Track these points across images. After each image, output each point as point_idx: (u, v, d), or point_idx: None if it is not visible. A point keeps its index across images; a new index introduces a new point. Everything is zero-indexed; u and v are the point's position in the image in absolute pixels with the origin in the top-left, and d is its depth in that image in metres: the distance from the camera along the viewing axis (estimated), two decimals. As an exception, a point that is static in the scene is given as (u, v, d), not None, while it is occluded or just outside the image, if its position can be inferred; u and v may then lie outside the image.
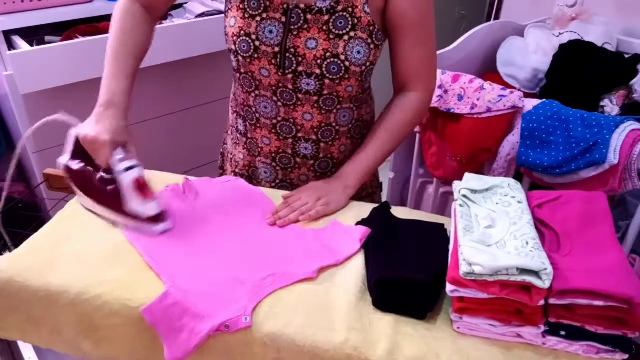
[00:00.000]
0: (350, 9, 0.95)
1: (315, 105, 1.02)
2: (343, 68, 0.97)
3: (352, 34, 0.95)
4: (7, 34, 1.67)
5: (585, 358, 0.73)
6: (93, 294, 0.81)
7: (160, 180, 1.08)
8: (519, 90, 1.53)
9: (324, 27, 0.95)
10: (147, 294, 0.80)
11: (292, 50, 0.97)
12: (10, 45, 1.68)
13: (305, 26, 0.96)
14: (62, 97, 1.65)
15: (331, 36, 0.95)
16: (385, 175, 1.80)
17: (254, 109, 1.07)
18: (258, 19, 0.97)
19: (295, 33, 0.96)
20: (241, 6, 0.98)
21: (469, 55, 1.81)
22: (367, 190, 1.22)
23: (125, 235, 0.91)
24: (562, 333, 0.72)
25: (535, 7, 2.18)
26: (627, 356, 0.72)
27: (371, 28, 0.96)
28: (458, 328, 0.76)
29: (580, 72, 1.65)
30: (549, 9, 1.93)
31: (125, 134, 0.91)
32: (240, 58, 1.01)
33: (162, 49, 1.73)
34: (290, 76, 0.99)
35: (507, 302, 0.72)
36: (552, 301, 0.71)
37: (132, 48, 0.99)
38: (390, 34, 1.01)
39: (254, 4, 0.97)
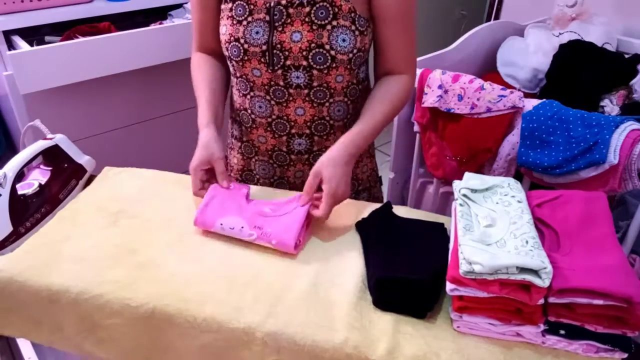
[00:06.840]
0: None
1: (307, 99, 1.05)
2: (329, 57, 0.99)
3: (334, 22, 0.97)
4: (7, 34, 1.67)
5: (584, 357, 0.73)
6: (94, 293, 0.81)
7: (161, 179, 1.09)
8: (519, 90, 1.53)
9: (306, 19, 0.97)
10: (148, 293, 0.81)
11: (279, 46, 1.00)
12: (10, 45, 1.68)
13: (289, 20, 0.98)
14: (62, 97, 1.65)
15: (314, 27, 0.97)
16: (385, 175, 1.80)
17: (249, 111, 1.11)
18: (245, 23, 1.01)
19: (280, 29, 0.99)
20: (229, 14, 1.02)
21: (469, 55, 1.81)
22: (364, 184, 1.22)
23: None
24: (562, 332, 0.73)
25: (535, 7, 2.18)
26: (626, 355, 0.72)
27: (352, 15, 0.98)
28: (458, 327, 0.76)
29: (580, 72, 1.65)
30: (549, 9, 1.93)
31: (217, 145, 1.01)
32: (234, 63, 1.05)
33: (163, 48, 1.74)
34: (280, 72, 1.02)
35: (507, 301, 0.72)
36: (551, 300, 0.71)
37: (209, 83, 1.10)
38: (375, 23, 1.02)
39: (240, 10, 1.01)
